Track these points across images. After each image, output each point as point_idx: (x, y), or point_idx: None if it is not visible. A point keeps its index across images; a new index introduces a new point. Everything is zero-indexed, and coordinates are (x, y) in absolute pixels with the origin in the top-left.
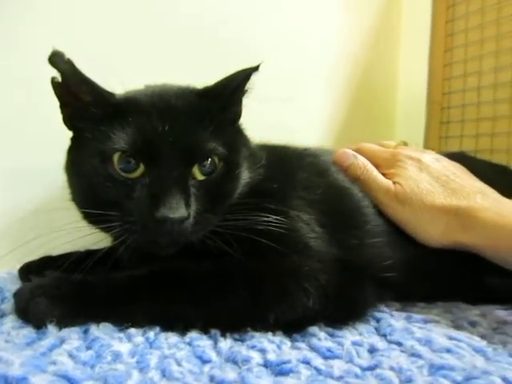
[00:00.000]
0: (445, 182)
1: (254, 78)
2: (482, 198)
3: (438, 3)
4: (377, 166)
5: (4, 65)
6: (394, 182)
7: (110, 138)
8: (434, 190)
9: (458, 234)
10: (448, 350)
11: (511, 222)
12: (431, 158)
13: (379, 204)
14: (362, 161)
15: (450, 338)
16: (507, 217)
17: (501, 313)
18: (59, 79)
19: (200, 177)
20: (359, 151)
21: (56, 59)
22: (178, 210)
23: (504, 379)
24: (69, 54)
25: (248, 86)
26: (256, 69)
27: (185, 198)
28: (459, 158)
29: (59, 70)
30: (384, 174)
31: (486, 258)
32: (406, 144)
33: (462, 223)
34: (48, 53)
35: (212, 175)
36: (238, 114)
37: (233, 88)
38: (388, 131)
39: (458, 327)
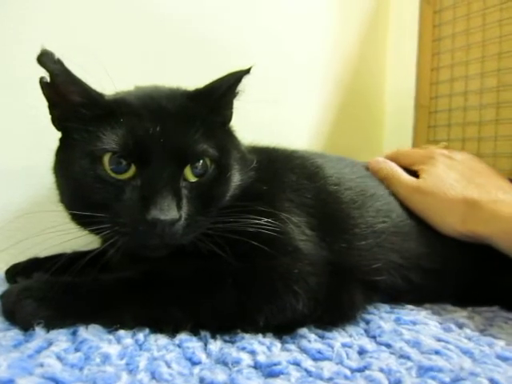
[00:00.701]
0: (470, 178)
1: (245, 80)
2: (504, 193)
3: (425, 8)
4: (412, 164)
5: None
6: (420, 178)
7: (99, 138)
8: (457, 184)
9: (476, 225)
10: (436, 352)
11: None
12: (463, 158)
13: (402, 198)
14: (389, 164)
15: (438, 340)
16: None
17: (488, 315)
18: (48, 79)
19: (191, 178)
20: (396, 153)
21: (45, 59)
22: (169, 212)
23: (491, 380)
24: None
25: (239, 88)
26: (247, 71)
27: (176, 200)
28: None
29: (48, 70)
30: (416, 171)
31: (500, 251)
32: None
33: (481, 215)
34: (38, 52)
35: (203, 177)
36: (229, 117)
37: (224, 90)
38: (376, 135)
39: (445, 329)
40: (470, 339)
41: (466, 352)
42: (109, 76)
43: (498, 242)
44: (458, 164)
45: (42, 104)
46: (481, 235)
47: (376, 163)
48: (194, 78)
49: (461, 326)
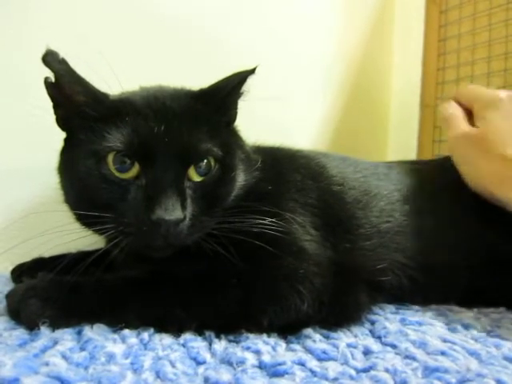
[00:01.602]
0: None
1: (250, 80)
2: None
3: (430, 8)
4: (480, 108)
5: None
6: (478, 126)
7: (104, 138)
8: (509, 141)
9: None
10: (442, 353)
11: None
12: None
13: (452, 146)
14: (456, 111)
15: (445, 341)
16: None
17: (494, 316)
18: (52, 79)
19: (196, 178)
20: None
21: (50, 59)
22: (173, 212)
23: (498, 381)
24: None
25: (244, 88)
26: (252, 72)
27: (181, 200)
28: (452, 162)
29: (53, 70)
30: (481, 118)
31: None
32: None
33: None
34: (42, 52)
35: (208, 177)
36: (234, 116)
37: (228, 90)
38: (381, 134)
39: (452, 330)
40: (476, 340)
41: (473, 353)
42: (115, 76)
43: None
44: None
45: (47, 104)
46: None
47: (446, 108)
48: (199, 77)
49: (467, 327)
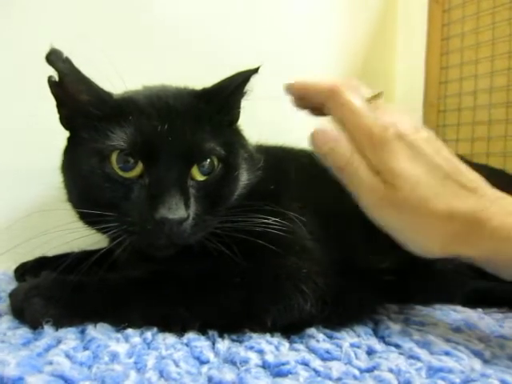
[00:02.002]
0: (443, 178)
1: (253, 80)
2: (484, 196)
3: (433, 7)
4: (357, 141)
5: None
6: (385, 181)
7: (108, 137)
8: (433, 190)
9: (459, 246)
10: (446, 353)
11: None
12: (423, 140)
13: (364, 206)
14: (345, 148)
15: (449, 341)
16: None
17: (498, 316)
18: (56, 78)
19: (199, 177)
20: (336, 102)
21: (53, 58)
22: (177, 211)
23: (502, 382)
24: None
25: (247, 88)
26: (255, 71)
27: (184, 199)
28: None
29: (56, 69)
30: (369, 159)
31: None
32: (380, 94)
33: (467, 234)
34: (46, 51)
35: (211, 176)
36: (237, 116)
37: (232, 90)
38: None
39: (456, 330)
40: (480, 340)
41: (477, 353)
42: (118, 75)
43: (488, 265)
44: (424, 153)
45: (50, 103)
46: (468, 257)
47: (325, 140)
48: (200, 76)
49: (471, 327)
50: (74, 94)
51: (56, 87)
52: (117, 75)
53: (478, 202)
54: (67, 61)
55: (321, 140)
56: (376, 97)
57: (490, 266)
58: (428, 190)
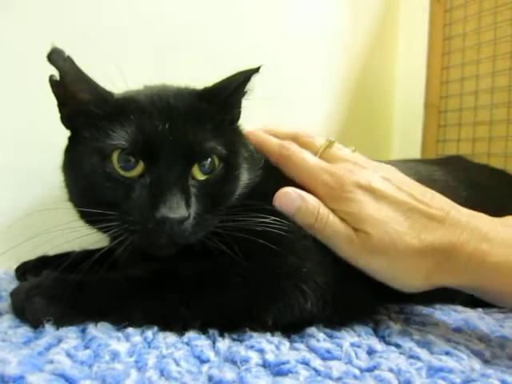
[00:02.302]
0: (409, 213)
1: (254, 79)
2: (454, 223)
3: (435, 7)
4: (315, 193)
5: (0, 63)
6: (355, 229)
7: (109, 136)
8: (402, 229)
9: (440, 277)
10: (447, 353)
11: (495, 260)
12: (380, 179)
13: (343, 256)
14: (312, 204)
15: (449, 341)
16: (489, 253)
17: (498, 316)
18: (57, 77)
19: (200, 177)
20: (288, 161)
21: (55, 57)
22: (178, 210)
23: (503, 382)
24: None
25: (248, 87)
26: (256, 70)
27: (185, 198)
28: (456, 161)
29: (58, 68)
30: (332, 210)
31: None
32: (332, 144)
33: (443, 264)
34: (47, 50)
35: (212, 175)
36: (238, 115)
37: (233, 89)
38: (385, 134)
39: (456, 330)
40: (480, 340)
41: (477, 353)
42: (120, 74)
43: (467, 290)
44: (383, 194)
45: (51, 103)
46: (448, 285)
47: (289, 200)
48: (201, 76)
49: (471, 327)
50: (75, 93)
51: (57, 86)
52: (118, 75)
53: (448, 231)
54: (69, 60)
55: (286, 201)
56: (328, 146)
57: (478, 293)
58: (397, 228)
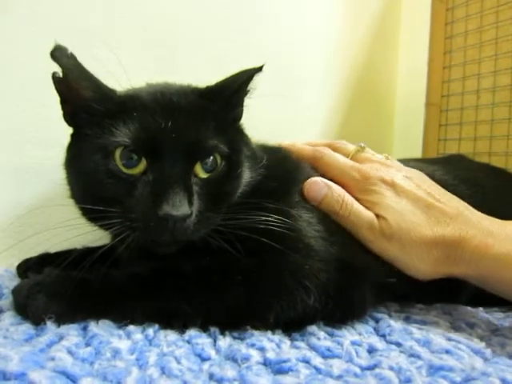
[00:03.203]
0: (425, 208)
1: (257, 78)
2: (465, 221)
3: (437, 5)
4: (345, 187)
5: (2, 61)
6: (377, 215)
7: (112, 133)
8: (418, 220)
9: (447, 267)
10: (447, 351)
11: (497, 252)
12: (403, 178)
13: (363, 240)
14: (337, 192)
15: (449, 340)
16: (493, 246)
17: (499, 315)
18: (60, 74)
19: (202, 175)
20: (321, 162)
21: (58, 54)
22: (180, 208)
23: (503, 380)
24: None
25: (251, 86)
26: (259, 69)
27: (188, 196)
28: (458, 160)
29: (61, 65)
30: (358, 200)
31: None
32: (363, 149)
33: (451, 256)
34: (49, 48)
35: (214, 173)
36: (240, 114)
37: (235, 88)
38: (387, 132)
39: (456, 329)
40: (481, 339)
41: (477, 352)
42: (123, 72)
43: (472, 280)
44: (404, 189)
45: (53, 100)
46: (455, 275)
47: (317, 188)
48: (203, 74)
49: (472, 326)
50: (77, 90)
51: (60, 83)
52: (121, 72)
53: (459, 226)
54: (72, 57)
55: (314, 189)
56: (359, 151)
57: (481, 283)
58: (413, 219)
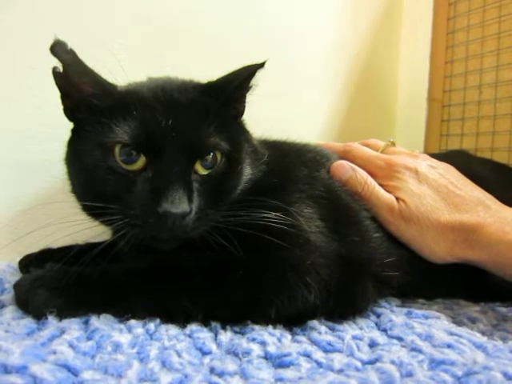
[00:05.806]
0: (446, 195)
1: (259, 74)
2: (484, 210)
3: (439, 0)
4: (371, 174)
5: (2, 56)
6: (397, 198)
7: (111, 130)
8: (437, 205)
9: (462, 250)
10: (448, 346)
11: (511, 238)
12: (427, 167)
13: (382, 221)
14: (361, 174)
15: (451, 334)
16: (509, 233)
17: (501, 310)
18: (60, 69)
19: (202, 171)
20: (349, 154)
21: (58, 49)
22: (180, 205)
23: (505, 374)
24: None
25: (252, 82)
26: (261, 65)
27: (187, 193)
28: (459, 156)
29: (61, 60)
30: (381, 185)
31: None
32: (394, 144)
33: (467, 240)
34: (49, 43)
35: (214, 170)
36: (242, 110)
37: (237, 84)
38: (388, 128)
39: (458, 323)
40: (483, 333)
41: (479, 346)
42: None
43: (487, 266)
44: (426, 177)
45: (54, 96)
46: (469, 260)
47: (343, 170)
48: (202, 71)
49: (473, 321)
50: (77, 85)
51: (60, 78)
52: (120, 67)
53: (477, 214)
54: (71, 52)
55: (340, 170)
56: (388, 145)
57: (494, 268)
58: (432, 203)
